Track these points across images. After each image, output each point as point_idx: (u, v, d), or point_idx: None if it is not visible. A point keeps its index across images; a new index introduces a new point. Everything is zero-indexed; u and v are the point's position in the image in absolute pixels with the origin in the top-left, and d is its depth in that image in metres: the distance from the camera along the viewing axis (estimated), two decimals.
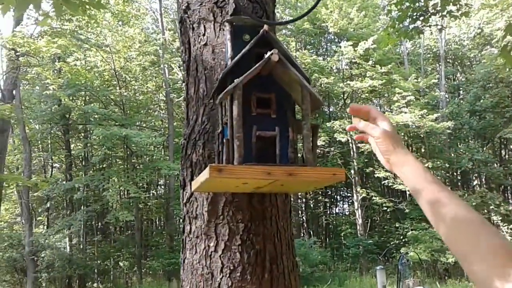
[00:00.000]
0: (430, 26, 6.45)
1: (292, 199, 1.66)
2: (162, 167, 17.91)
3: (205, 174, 1.12)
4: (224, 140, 1.21)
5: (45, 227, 22.23)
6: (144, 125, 20.52)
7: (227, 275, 1.35)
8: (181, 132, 18.69)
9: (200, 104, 1.51)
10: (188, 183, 1.48)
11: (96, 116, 19.12)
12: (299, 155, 1.26)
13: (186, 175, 1.49)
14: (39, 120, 20.32)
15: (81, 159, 23.07)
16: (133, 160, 20.97)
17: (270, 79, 1.27)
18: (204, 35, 1.55)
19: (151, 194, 23.65)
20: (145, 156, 20.18)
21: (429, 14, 6.07)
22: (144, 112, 21.74)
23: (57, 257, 19.23)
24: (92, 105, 20.14)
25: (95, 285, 20.68)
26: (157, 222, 26.53)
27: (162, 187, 25.33)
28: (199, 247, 1.41)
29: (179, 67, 19.06)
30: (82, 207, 20.25)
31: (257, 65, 1.18)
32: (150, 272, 20.62)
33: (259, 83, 1.26)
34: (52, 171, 23.64)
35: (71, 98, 18.52)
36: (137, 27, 19.31)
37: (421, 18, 6.14)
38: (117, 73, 19.22)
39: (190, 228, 1.44)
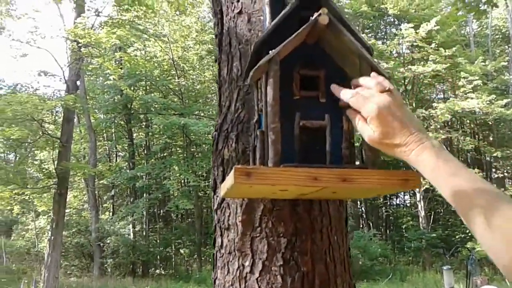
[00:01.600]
0: None
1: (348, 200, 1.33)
2: None
3: (230, 179, 0.83)
4: (258, 133, 0.91)
5: (111, 214, 23.10)
6: (202, 114, 20.60)
7: None
8: None
9: (234, 87, 1.22)
10: (219, 185, 1.20)
11: (156, 105, 19.45)
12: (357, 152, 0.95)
13: (217, 175, 1.21)
14: (103, 110, 21.03)
15: (143, 148, 23.66)
16: (192, 149, 21.19)
17: (318, 51, 0.96)
18: (238, 1, 1.25)
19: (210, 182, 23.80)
20: (203, 145, 20.31)
21: None
22: (202, 101, 21.86)
23: (122, 243, 19.92)
24: (152, 94, 20.53)
25: (157, 271, 21.25)
26: None
27: None
28: (231, 266, 1.13)
29: None
30: (144, 195, 20.79)
31: (299, 30, 0.87)
32: (210, 260, 20.85)
33: (303, 56, 0.95)
34: (116, 159, 24.45)
35: (132, 88, 18.93)
36: (194, 16, 19.33)
37: None
38: (175, 63, 19.39)
39: (222, 242, 1.16)
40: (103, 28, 13.70)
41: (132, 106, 21.15)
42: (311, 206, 1.11)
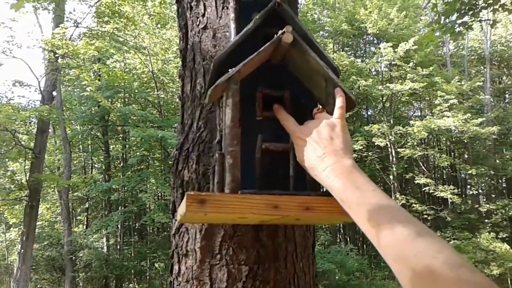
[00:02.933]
0: (480, 21, 5.90)
1: (315, 226, 1.28)
2: None
3: (183, 206, 0.77)
4: (217, 155, 0.86)
5: (84, 227, 22.59)
6: None
7: None
8: None
9: (197, 105, 1.16)
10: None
11: (134, 117, 19.21)
12: None
13: (176, 197, 1.14)
14: (79, 121, 20.65)
15: (119, 160, 23.31)
16: (169, 162, 20.94)
17: (283, 70, 0.91)
18: (204, 15, 1.20)
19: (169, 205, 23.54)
20: None
21: (479, 7, 5.52)
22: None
23: (95, 257, 19.45)
24: (130, 106, 20.27)
25: (131, 285, 20.82)
26: None
27: None
28: None
29: None
30: (120, 208, 20.41)
31: (262, 48, 0.82)
32: None
33: (267, 75, 0.90)
34: (92, 171, 24.01)
35: (110, 99, 18.67)
36: (174, 29, 19.28)
37: (470, 12, 5.60)
38: (154, 75, 19.25)
39: (179, 269, 1.09)
40: (81, 39, 13.53)
41: (110, 118, 20.84)
42: (275, 232, 1.05)
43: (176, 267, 1.10)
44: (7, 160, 16.87)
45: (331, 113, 0.83)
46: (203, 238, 1.05)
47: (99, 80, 17.86)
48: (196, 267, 1.05)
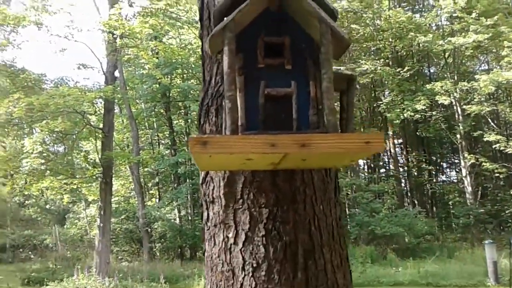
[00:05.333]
0: None
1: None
2: None
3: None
4: (223, 103, 0.92)
5: (157, 200, 23.73)
6: None
7: (250, 274, 1.08)
8: None
9: (214, 61, 1.22)
10: None
11: (193, 92, 19.66)
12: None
13: None
14: (143, 99, 21.49)
15: (183, 135, 24.05)
16: None
17: (282, 16, 0.94)
18: None
19: None
20: None
21: None
22: None
23: (168, 228, 20.46)
24: (190, 82, 20.74)
25: None
26: None
27: None
28: (217, 238, 1.14)
29: None
30: (187, 180, 21.17)
31: None
32: None
33: (268, 23, 0.93)
34: (159, 146, 24.99)
35: (168, 76, 19.20)
36: None
37: None
38: None
39: (208, 215, 1.18)
40: (136, 18, 13.92)
41: (171, 94, 21.46)
42: (292, 176, 1.10)
43: (205, 214, 1.19)
44: (79, 140, 17.97)
45: (324, 53, 0.85)
46: (226, 185, 1.12)
47: (157, 58, 18.37)
48: (221, 212, 1.13)
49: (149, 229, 20.01)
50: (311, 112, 0.91)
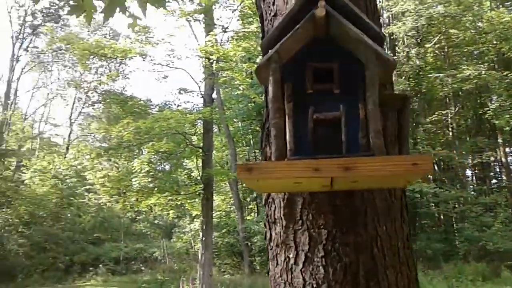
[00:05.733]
0: None
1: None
2: None
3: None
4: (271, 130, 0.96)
5: (256, 214, 24.19)
6: None
7: None
8: None
9: None
10: None
11: None
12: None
13: None
14: (239, 118, 22.19)
15: None
16: None
17: (330, 42, 0.96)
18: (274, 3, 1.29)
19: None
20: None
21: None
22: None
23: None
24: None
25: None
26: None
27: None
28: (279, 258, 1.18)
29: None
30: None
31: (297, 26, 0.89)
32: None
33: (316, 50, 0.96)
34: None
35: (262, 95, 19.60)
36: None
37: None
38: None
39: (271, 235, 1.22)
40: (230, 42, 14.53)
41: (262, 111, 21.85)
42: (351, 198, 1.10)
43: (268, 234, 1.23)
44: (182, 159, 19.02)
45: (369, 77, 0.86)
46: (285, 206, 1.16)
47: (251, 78, 18.93)
48: (282, 233, 1.16)
49: (249, 243, 20.41)
50: (361, 135, 0.91)
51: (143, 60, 14.93)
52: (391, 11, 19.86)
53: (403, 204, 1.21)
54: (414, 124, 19.45)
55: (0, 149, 23.13)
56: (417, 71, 20.30)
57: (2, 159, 23.57)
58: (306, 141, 0.92)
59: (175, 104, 17.93)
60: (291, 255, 1.14)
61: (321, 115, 0.93)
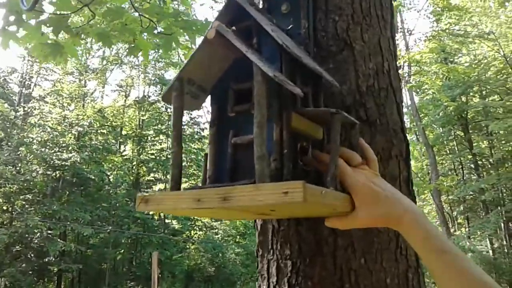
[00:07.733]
0: None
1: None
2: None
3: None
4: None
5: (466, 229, 22.03)
6: None
7: None
8: None
9: None
10: None
11: (492, 109, 17.65)
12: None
13: None
14: (437, 124, 20.62)
15: (486, 157, 21.80)
16: None
17: (248, 62, 0.90)
18: None
19: None
20: None
21: None
22: None
23: (480, 260, 18.60)
24: (491, 98, 18.75)
25: None
26: None
27: None
28: None
29: None
30: (498, 208, 18.92)
31: (194, 51, 0.87)
32: None
33: (235, 71, 0.92)
34: (463, 172, 23.30)
35: (464, 96, 17.89)
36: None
37: None
38: (508, 58, 17.14)
39: (257, 264, 1.16)
40: (417, 45, 13.75)
41: (468, 114, 19.81)
42: (316, 225, 0.98)
43: (257, 262, 1.17)
44: None
45: (255, 96, 0.77)
46: (259, 234, 1.08)
47: (448, 79, 17.43)
48: (259, 262, 1.09)
49: None
50: (272, 158, 0.82)
51: None
52: None
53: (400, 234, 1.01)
54: None
55: None
56: None
57: None
58: (223, 167, 0.88)
59: None
60: (264, 287, 1.06)
61: (239, 139, 0.87)
